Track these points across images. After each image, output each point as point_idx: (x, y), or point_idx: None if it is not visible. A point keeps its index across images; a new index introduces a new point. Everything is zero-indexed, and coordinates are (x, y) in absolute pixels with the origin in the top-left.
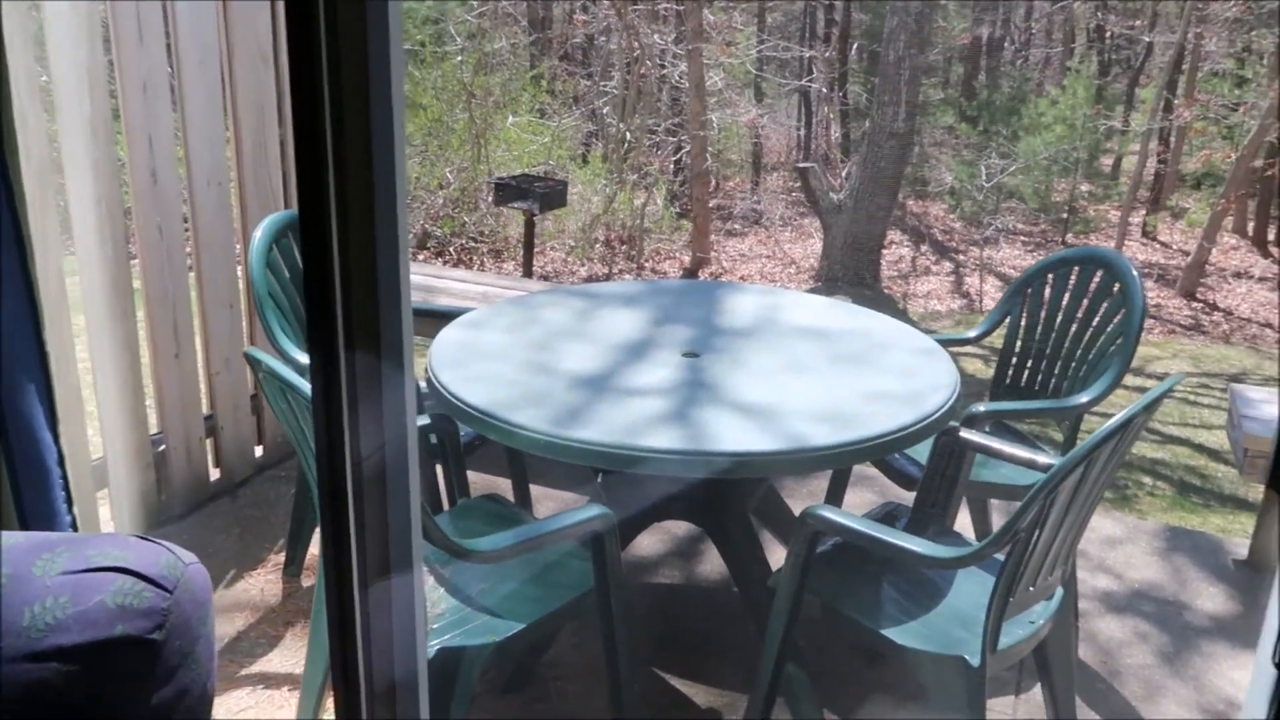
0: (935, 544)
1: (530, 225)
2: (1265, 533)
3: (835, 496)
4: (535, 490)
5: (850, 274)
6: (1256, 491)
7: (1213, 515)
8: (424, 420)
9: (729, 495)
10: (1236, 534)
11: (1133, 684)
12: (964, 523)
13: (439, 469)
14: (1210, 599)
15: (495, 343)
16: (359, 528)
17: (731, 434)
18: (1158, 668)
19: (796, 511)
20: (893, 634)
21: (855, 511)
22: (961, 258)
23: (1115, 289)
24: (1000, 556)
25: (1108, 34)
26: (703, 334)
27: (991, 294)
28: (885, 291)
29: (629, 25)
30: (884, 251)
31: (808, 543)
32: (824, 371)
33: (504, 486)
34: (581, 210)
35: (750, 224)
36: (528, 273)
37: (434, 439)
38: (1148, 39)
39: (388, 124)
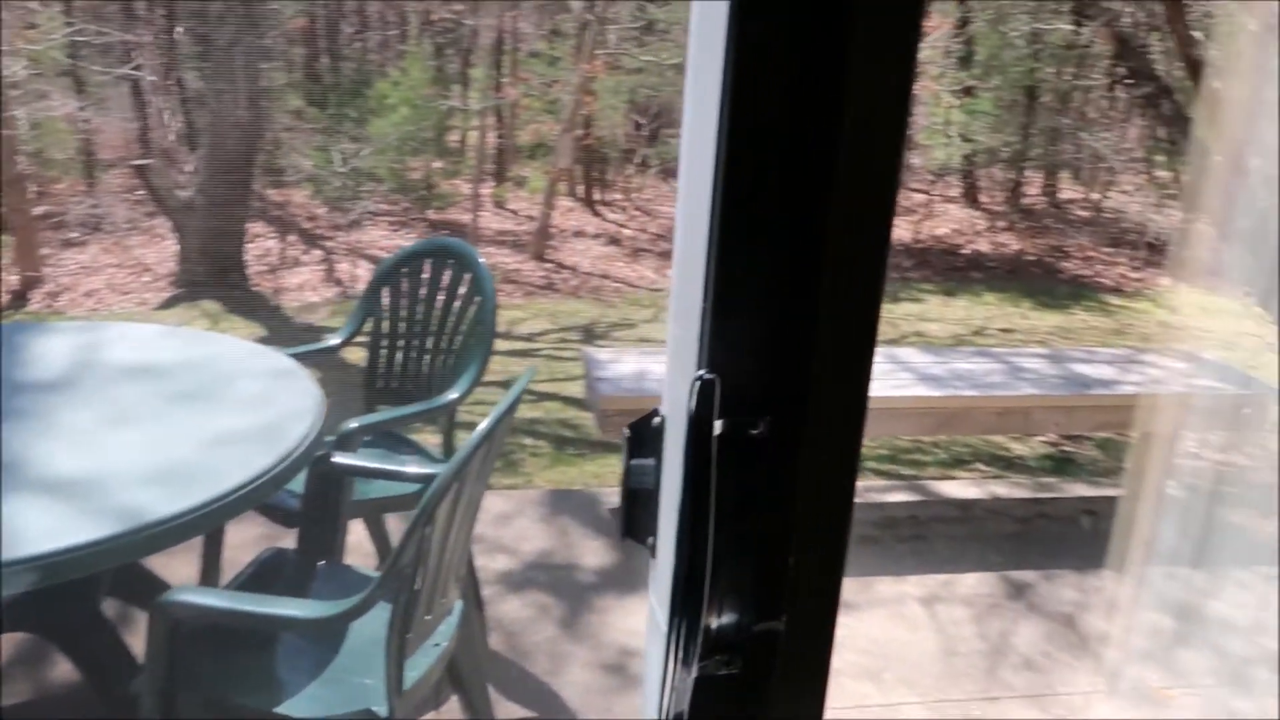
0: (313, 603)
1: None
2: None
3: (214, 540)
4: None
5: (214, 275)
6: (619, 437)
7: (587, 464)
8: None
9: (66, 587)
10: (608, 479)
11: (542, 660)
12: (364, 542)
13: None
14: (593, 554)
15: None
16: None
17: (37, 528)
18: (560, 638)
19: (178, 573)
20: (288, 709)
21: (248, 550)
22: (331, 244)
23: (468, 279)
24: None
25: (434, 18)
26: None
27: (365, 278)
28: (255, 289)
29: None
30: (249, 246)
31: (168, 634)
32: (158, 419)
33: None
34: None
35: (91, 230)
36: None
37: None
38: (470, 23)
39: None
